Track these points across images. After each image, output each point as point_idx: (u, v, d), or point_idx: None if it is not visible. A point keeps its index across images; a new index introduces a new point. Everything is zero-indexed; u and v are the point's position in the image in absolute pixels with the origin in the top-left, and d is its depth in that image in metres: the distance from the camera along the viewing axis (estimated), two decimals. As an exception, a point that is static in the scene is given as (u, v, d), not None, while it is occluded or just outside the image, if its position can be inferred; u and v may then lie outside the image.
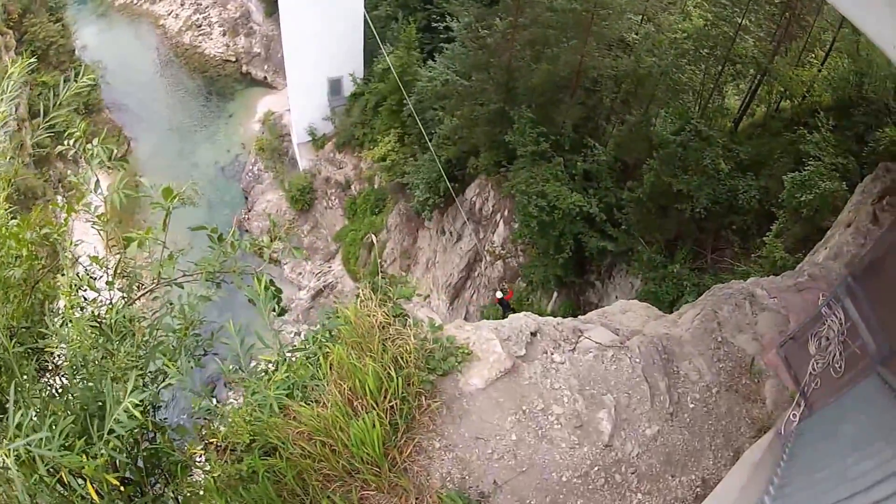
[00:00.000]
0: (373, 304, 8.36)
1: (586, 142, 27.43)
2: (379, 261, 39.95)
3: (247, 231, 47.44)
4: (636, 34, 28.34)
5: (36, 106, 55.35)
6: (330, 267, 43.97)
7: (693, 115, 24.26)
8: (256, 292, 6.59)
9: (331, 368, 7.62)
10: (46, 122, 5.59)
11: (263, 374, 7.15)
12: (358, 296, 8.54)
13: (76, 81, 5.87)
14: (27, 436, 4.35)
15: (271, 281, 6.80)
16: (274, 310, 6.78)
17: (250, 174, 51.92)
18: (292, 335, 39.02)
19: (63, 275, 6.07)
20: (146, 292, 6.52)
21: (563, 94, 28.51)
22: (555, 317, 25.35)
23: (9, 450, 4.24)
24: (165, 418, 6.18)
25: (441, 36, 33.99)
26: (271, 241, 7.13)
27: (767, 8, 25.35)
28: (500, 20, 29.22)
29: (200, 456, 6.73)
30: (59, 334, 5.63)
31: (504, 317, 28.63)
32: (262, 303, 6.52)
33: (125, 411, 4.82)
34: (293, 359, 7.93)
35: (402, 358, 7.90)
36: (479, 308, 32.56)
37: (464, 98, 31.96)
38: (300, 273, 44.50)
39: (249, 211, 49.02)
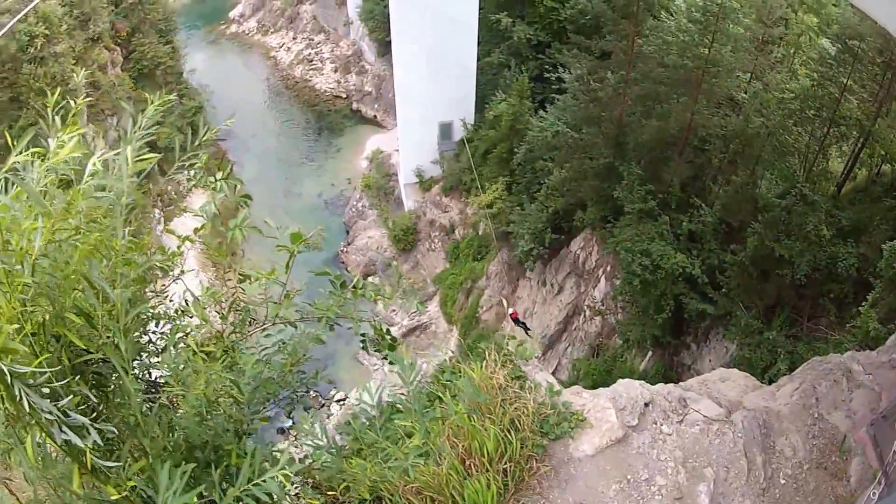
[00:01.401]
0: (496, 364, 8.74)
1: (692, 201, 27.95)
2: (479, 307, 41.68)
3: (343, 263, 50.46)
4: (745, 93, 28.76)
5: (140, 122, 59.31)
6: (426, 308, 45.81)
7: (798, 178, 24.78)
8: (395, 354, 6.84)
9: (442, 423, 7.89)
10: (182, 160, 5.52)
11: (398, 437, 7.27)
12: (483, 356, 8.88)
13: (206, 133, 5.74)
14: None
15: (388, 330, 7.16)
16: (386, 359, 6.98)
17: (354, 209, 54.86)
18: (375, 367, 41.31)
19: (171, 301, 6.03)
20: (260, 329, 6.60)
21: (672, 151, 29.35)
22: (647, 375, 26.39)
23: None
24: (257, 447, 5.91)
25: (553, 87, 35.42)
26: (394, 291, 7.09)
27: (870, 68, 25.67)
28: (612, 74, 30.50)
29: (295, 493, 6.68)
30: (170, 365, 5.48)
31: (525, 329, 33.49)
32: (405, 371, 6.66)
33: (274, 478, 4.70)
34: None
35: (518, 421, 8.25)
36: (572, 361, 33.65)
37: (574, 151, 32.98)
38: (394, 310, 46.49)
39: (349, 245, 52.00)
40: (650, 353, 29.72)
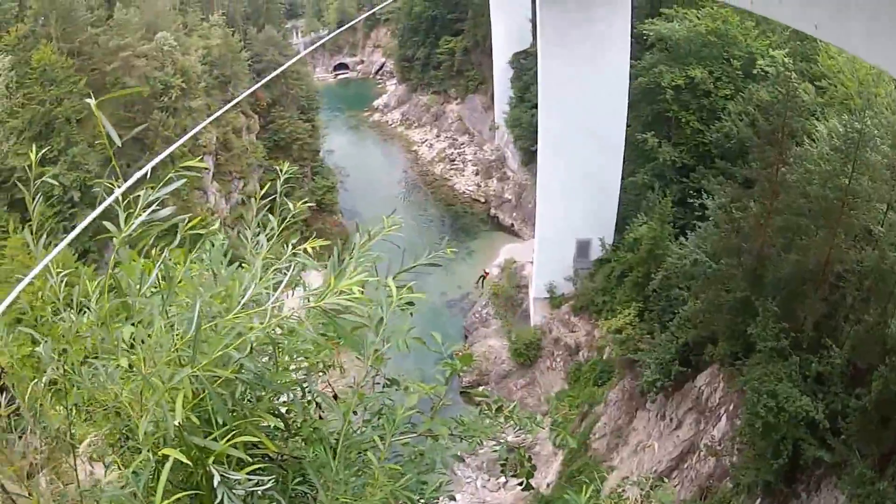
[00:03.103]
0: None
1: (824, 342, 28.27)
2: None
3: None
4: (881, 225, 29.24)
5: (268, 189, 64.69)
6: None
7: (925, 316, 24.64)
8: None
9: None
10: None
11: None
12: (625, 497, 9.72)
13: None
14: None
15: (529, 457, 6.95)
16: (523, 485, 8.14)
17: (477, 315, 57.90)
18: (468, 479, 43.66)
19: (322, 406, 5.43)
20: (403, 437, 6.10)
21: (808, 287, 29.92)
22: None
23: None
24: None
25: (696, 212, 37.29)
26: (543, 417, 7.67)
27: None
28: (755, 203, 31.69)
29: None
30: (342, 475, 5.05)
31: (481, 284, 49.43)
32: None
33: None
34: None
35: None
36: (679, 502, 33.93)
37: (711, 282, 34.03)
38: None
39: (466, 350, 53.28)
40: (759, 501, 29.85)
